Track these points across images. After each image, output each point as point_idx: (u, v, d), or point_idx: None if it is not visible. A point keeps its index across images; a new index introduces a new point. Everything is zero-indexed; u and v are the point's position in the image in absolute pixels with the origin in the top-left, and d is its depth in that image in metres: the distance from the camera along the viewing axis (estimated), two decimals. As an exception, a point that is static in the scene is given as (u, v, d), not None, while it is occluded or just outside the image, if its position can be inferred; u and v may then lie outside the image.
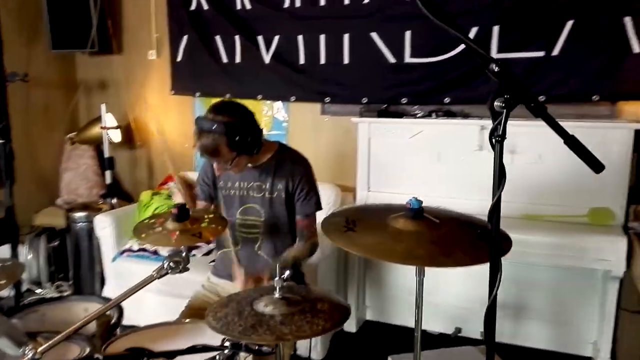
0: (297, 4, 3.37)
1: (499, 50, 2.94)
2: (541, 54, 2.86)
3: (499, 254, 1.16)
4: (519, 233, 2.62)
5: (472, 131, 2.91)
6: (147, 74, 4.16)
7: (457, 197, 2.89)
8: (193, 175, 3.87)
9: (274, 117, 3.80)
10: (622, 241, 2.50)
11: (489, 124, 2.98)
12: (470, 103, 3.08)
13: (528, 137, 2.84)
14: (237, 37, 3.58)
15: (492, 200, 1.13)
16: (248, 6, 3.51)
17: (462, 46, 2.99)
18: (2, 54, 3.10)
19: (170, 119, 4.16)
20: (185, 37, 3.77)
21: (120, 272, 3.27)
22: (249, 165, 2.00)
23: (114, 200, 3.84)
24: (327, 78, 3.38)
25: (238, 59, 3.62)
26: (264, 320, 1.24)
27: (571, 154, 2.90)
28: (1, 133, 2.82)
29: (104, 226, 3.33)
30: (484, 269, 1.20)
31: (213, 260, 2.99)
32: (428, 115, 3.12)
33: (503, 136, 1.13)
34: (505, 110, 1.10)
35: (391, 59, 3.18)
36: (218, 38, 3.65)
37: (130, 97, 4.20)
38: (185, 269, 1.56)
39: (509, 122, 3.02)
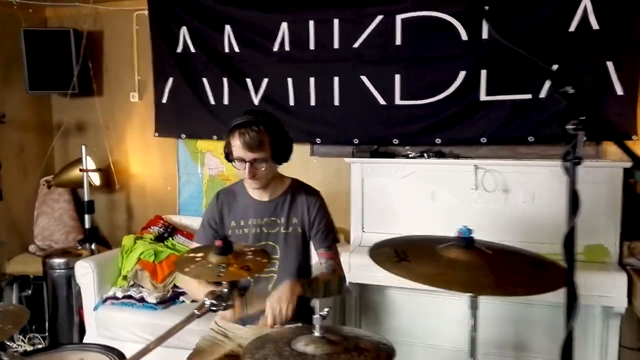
0: (287, 47, 3.41)
1: (487, 93, 3.03)
2: (528, 96, 2.96)
3: (573, 281, 1.14)
4: None
5: (467, 170, 2.94)
6: (129, 116, 4.09)
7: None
8: (176, 219, 3.79)
9: (261, 158, 3.77)
10: (622, 277, 2.54)
11: (482, 163, 3.05)
12: (461, 144, 3.14)
13: (521, 176, 2.90)
14: (225, 79, 3.58)
15: (567, 226, 1.12)
16: (236, 49, 3.53)
17: (452, 89, 3.09)
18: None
19: (152, 162, 4.07)
20: (170, 79, 3.73)
21: (102, 321, 3.09)
22: (264, 199, 1.96)
23: (93, 246, 3.68)
24: (317, 119, 3.39)
25: (226, 101, 3.61)
26: (309, 360, 1.17)
27: (563, 193, 2.98)
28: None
29: (85, 272, 3.17)
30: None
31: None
32: (420, 155, 3.15)
33: (579, 159, 1.11)
34: (579, 133, 1.08)
35: (381, 101, 3.23)
36: (205, 80, 3.63)
37: (110, 140, 4.09)
38: (229, 306, 1.49)
39: (500, 162, 3.10)
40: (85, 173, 3.70)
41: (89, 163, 3.75)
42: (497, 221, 2.91)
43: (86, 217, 3.72)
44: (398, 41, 3.16)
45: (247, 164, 1.86)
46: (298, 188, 2.04)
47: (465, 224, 3.14)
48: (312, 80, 3.38)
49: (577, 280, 2.09)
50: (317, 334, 1.27)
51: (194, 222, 3.76)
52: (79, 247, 3.67)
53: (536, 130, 2.96)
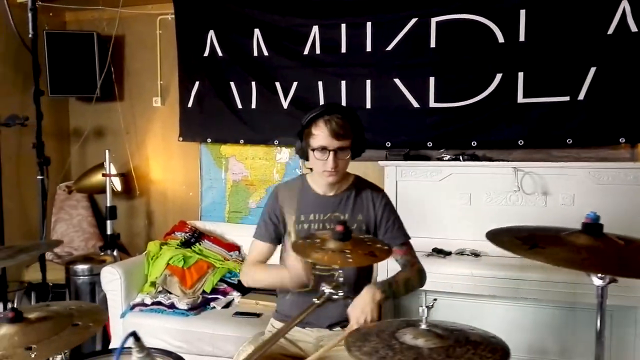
0: (317, 51, 3.39)
1: (524, 96, 3.02)
2: (566, 98, 2.95)
3: None
4: (563, 275, 2.70)
5: (506, 172, 2.91)
6: (150, 121, 4.03)
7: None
8: (200, 224, 3.71)
9: (287, 163, 3.72)
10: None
11: (521, 165, 3.01)
12: (498, 147, 3.12)
13: (559, 179, 2.87)
14: (253, 83, 3.54)
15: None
16: (265, 53, 3.50)
17: (489, 91, 3.08)
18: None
19: (174, 167, 4.00)
20: (196, 84, 3.69)
21: (131, 329, 2.97)
22: (329, 194, 1.91)
23: (115, 252, 3.58)
24: (349, 123, 3.35)
25: (254, 105, 3.57)
26: (425, 354, 1.11)
27: (602, 194, 2.92)
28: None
29: (112, 279, 3.07)
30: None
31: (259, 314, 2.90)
32: (455, 158, 3.12)
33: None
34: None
35: (415, 104, 3.21)
36: (232, 84, 3.59)
37: (131, 145, 4.03)
38: (347, 296, 1.49)
39: (539, 164, 3.04)
40: (108, 178, 3.62)
41: (111, 168, 3.68)
42: (538, 224, 2.87)
43: (108, 223, 3.63)
44: (432, 44, 3.15)
45: (331, 152, 1.79)
46: (362, 184, 1.99)
47: (499, 225, 3.12)
48: (343, 83, 3.35)
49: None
50: (423, 326, 1.21)
51: (217, 227, 3.70)
52: (102, 254, 3.57)
53: (574, 132, 2.95)
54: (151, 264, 3.26)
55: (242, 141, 3.63)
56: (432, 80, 3.17)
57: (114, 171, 3.71)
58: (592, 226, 1.31)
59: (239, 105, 3.60)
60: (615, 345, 2.76)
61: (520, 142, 3.05)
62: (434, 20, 3.13)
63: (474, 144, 3.13)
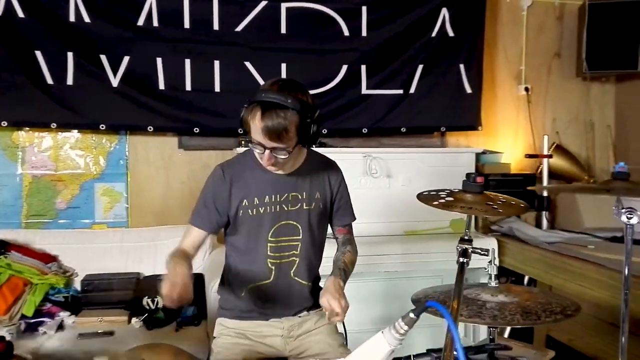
0: (155, 23, 2.98)
1: (367, 87, 3.25)
2: (400, 91, 3.30)
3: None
4: (407, 247, 3.02)
5: (356, 158, 3.09)
6: None
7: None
8: None
9: (110, 152, 3.17)
10: (493, 242, 3.06)
11: (370, 151, 3.25)
12: (344, 135, 3.27)
13: (399, 163, 3.20)
14: (70, 55, 2.90)
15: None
16: (86, 19, 2.90)
17: (336, 81, 3.22)
18: None
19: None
20: (-18, 52, 2.82)
21: None
22: (282, 172, 1.69)
23: None
24: (194, 106, 3.06)
25: (70, 81, 2.92)
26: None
27: (432, 176, 3.39)
28: None
29: None
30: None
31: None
32: (307, 145, 3.16)
33: None
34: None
35: (268, 90, 3.12)
36: (39, 54, 2.87)
37: None
38: None
39: (385, 150, 3.41)
40: None
41: None
42: (385, 203, 3.15)
43: None
44: (283, 30, 3.12)
45: (267, 150, 1.53)
46: (316, 158, 1.82)
47: (355, 207, 3.34)
48: (187, 62, 3.03)
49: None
50: (493, 284, 1.22)
51: (16, 235, 2.89)
52: None
53: (408, 122, 3.32)
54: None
55: (54, 125, 2.93)
56: (283, 66, 3.14)
57: None
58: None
59: (49, 81, 2.89)
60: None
61: (365, 131, 3.27)
62: (284, 6, 3.11)
63: (324, 131, 3.21)
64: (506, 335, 3.19)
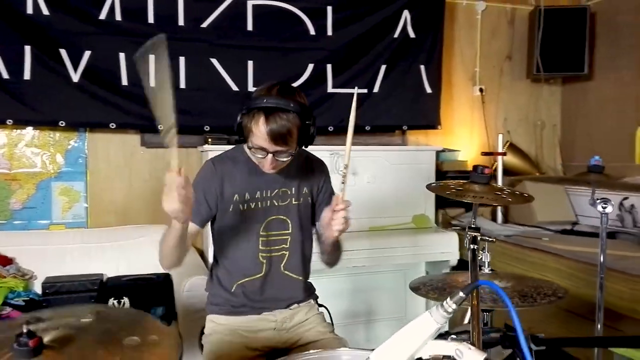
0: (118, 17, 2.90)
1: (333, 86, 3.30)
2: (365, 90, 3.37)
3: None
4: (373, 242, 3.09)
5: (323, 156, 3.02)
6: None
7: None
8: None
9: (68, 150, 3.06)
10: (454, 236, 3.18)
11: (338, 149, 3.29)
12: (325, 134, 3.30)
13: (365, 160, 3.26)
14: (27, 48, 2.77)
15: None
16: (45, 12, 2.79)
17: (302, 79, 3.24)
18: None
19: None
20: None
21: None
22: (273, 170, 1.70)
23: None
24: (159, 103, 2.99)
25: (27, 76, 2.79)
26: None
27: (395, 173, 3.51)
28: None
29: None
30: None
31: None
32: (274, 143, 3.17)
33: None
34: None
35: (234, 87, 3.11)
36: (-6, 47, 2.74)
37: None
38: None
39: (352, 148, 3.38)
40: None
41: None
42: (352, 200, 3.20)
43: None
44: (250, 27, 3.12)
45: (270, 155, 1.55)
46: (302, 154, 1.84)
47: None
48: (152, 58, 2.96)
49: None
50: (487, 270, 1.30)
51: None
52: None
53: (372, 121, 3.39)
54: None
55: (10, 122, 2.80)
56: (250, 64, 3.13)
57: None
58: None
59: (5, 75, 2.76)
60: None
61: (331, 129, 3.32)
62: (250, 3, 3.10)
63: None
64: (466, 321, 3.35)
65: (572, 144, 3.99)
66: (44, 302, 2.61)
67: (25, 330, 0.76)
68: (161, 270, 2.87)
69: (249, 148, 1.58)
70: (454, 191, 1.42)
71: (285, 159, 1.58)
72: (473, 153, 3.83)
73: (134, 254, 2.92)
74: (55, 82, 2.83)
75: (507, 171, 3.66)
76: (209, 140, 2.99)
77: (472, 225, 1.21)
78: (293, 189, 1.75)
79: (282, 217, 1.74)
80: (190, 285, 2.46)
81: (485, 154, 3.67)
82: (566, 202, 3.51)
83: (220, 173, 1.69)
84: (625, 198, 3.04)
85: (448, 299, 0.78)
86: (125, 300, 2.64)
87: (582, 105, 3.92)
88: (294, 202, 1.75)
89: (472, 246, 1.13)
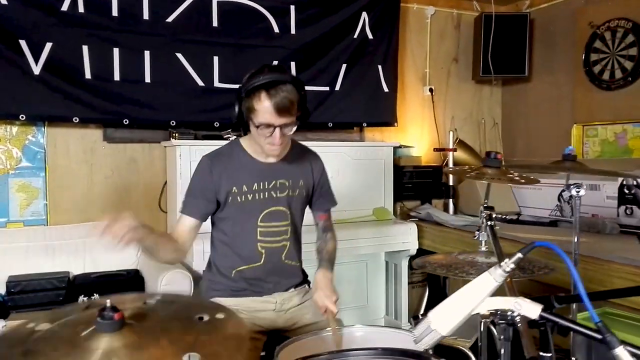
0: (80, 9, 2.83)
1: (296, 83, 3.38)
2: (327, 88, 3.47)
3: None
4: (337, 235, 3.20)
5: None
6: None
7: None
8: None
9: (25, 144, 2.95)
10: (414, 226, 3.36)
11: (307, 144, 3.36)
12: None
13: (328, 156, 3.32)
14: (-17, 38, 2.66)
15: None
16: (3, 1, 2.68)
17: (267, 76, 3.28)
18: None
19: None
20: None
21: None
22: (270, 160, 1.77)
23: None
24: (124, 97, 2.95)
25: (-17, 67, 2.68)
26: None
27: (357, 168, 3.65)
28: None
29: None
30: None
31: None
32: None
33: None
34: None
35: (200, 82, 3.12)
36: (-54, 36, 2.59)
37: None
38: None
39: (316, 144, 3.61)
40: None
41: None
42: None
43: None
44: (215, 23, 3.14)
45: (277, 129, 1.61)
46: (298, 147, 1.91)
47: None
48: (115, 51, 2.92)
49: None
50: (483, 249, 1.44)
51: None
52: None
53: (334, 118, 3.51)
54: None
55: (-35, 115, 2.67)
56: (216, 59, 3.15)
57: None
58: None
59: (-41, 66, 2.63)
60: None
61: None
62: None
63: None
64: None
65: (513, 141, 4.30)
66: (9, 301, 2.52)
67: (109, 305, 0.80)
68: (130, 267, 2.87)
69: (256, 127, 1.62)
70: (473, 174, 1.56)
71: (291, 132, 1.67)
72: (425, 149, 4.04)
73: (99, 251, 2.86)
74: (14, 74, 2.73)
75: (457, 165, 3.91)
76: (175, 135, 2.98)
77: (485, 205, 1.34)
78: (290, 180, 1.82)
79: (281, 208, 1.80)
80: (167, 279, 2.47)
81: (437, 149, 3.90)
82: (511, 195, 3.79)
83: (217, 167, 1.74)
84: (564, 190, 3.34)
85: (507, 259, 0.90)
86: (96, 296, 2.59)
87: (522, 105, 4.24)
88: (290, 194, 1.82)
89: (489, 223, 1.26)
